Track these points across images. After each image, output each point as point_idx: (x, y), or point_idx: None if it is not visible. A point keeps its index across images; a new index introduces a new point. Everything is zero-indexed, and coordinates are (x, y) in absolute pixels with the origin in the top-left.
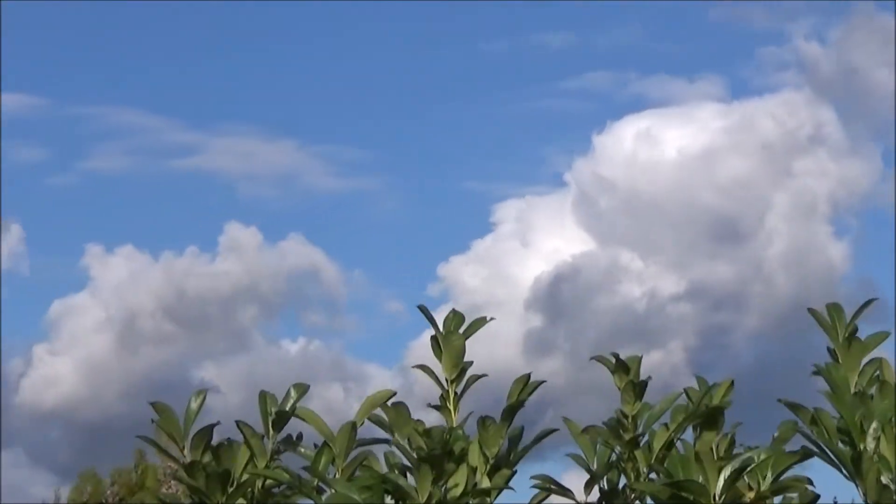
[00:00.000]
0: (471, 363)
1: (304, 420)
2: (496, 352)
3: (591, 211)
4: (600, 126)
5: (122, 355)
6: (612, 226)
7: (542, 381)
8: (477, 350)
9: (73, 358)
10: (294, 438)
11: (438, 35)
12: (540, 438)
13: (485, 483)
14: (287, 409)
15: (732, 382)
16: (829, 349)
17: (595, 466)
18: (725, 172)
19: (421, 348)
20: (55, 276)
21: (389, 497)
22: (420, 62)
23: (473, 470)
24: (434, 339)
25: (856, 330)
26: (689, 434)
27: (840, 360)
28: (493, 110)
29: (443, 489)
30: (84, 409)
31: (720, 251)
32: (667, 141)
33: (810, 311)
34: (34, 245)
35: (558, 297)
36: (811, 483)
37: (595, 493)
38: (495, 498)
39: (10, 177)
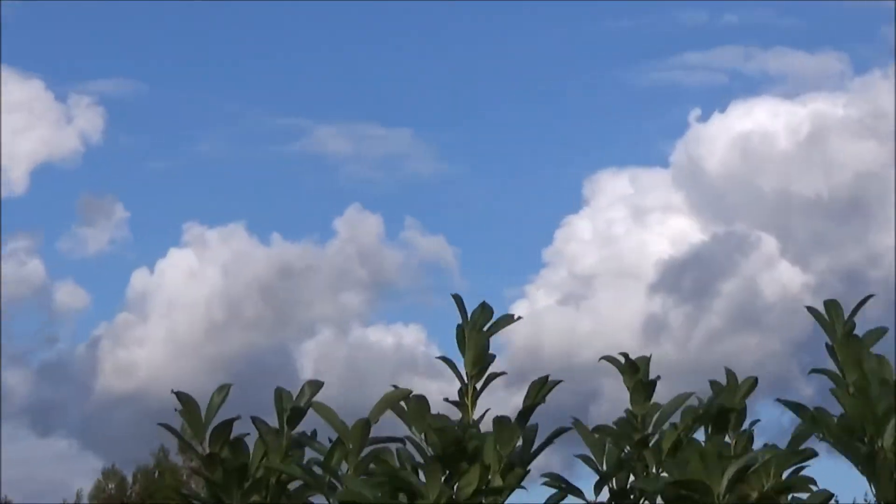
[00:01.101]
0: (493, 359)
1: (319, 415)
2: (613, 330)
3: (707, 189)
4: (722, 103)
5: (218, 336)
6: (731, 206)
7: (559, 381)
8: (592, 327)
9: (166, 339)
10: (309, 435)
11: (566, 14)
12: (553, 438)
13: (497, 482)
14: (302, 405)
15: (756, 381)
16: (827, 346)
17: (604, 467)
18: (848, 153)
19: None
20: (154, 255)
21: (403, 494)
22: (550, 40)
23: (487, 468)
24: (460, 331)
25: (854, 327)
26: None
27: (839, 358)
28: (617, 85)
29: (455, 487)
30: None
31: (846, 234)
32: (790, 120)
33: (808, 308)
34: (136, 225)
35: (678, 278)
36: (814, 483)
37: (605, 494)
38: (507, 497)
39: (113, 159)
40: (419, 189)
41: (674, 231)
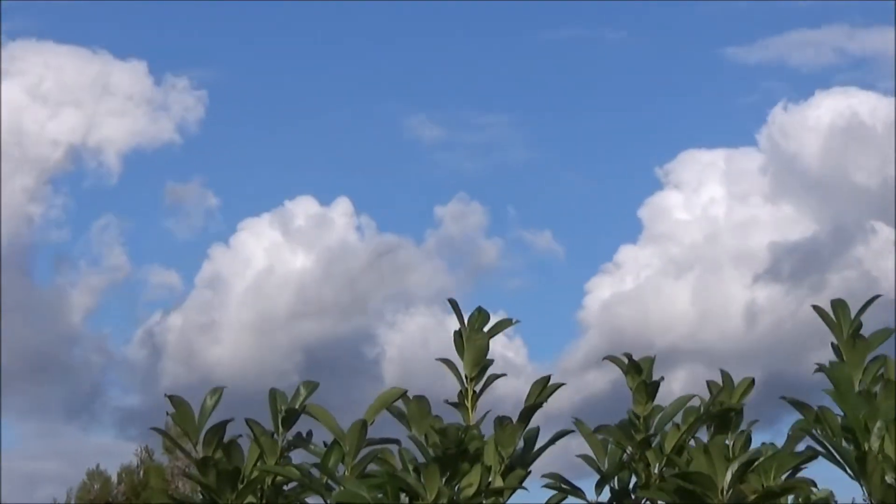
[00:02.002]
0: (491, 362)
1: (314, 417)
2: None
3: (809, 173)
4: (826, 83)
5: (305, 321)
6: (838, 190)
7: (562, 384)
8: (698, 314)
9: (251, 324)
10: (304, 436)
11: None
12: (555, 440)
13: (498, 483)
14: (297, 406)
15: (753, 381)
16: (833, 346)
17: (606, 467)
18: None
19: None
20: (243, 239)
21: (405, 494)
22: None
23: (488, 469)
24: (458, 335)
25: (860, 327)
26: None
27: (844, 358)
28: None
29: (456, 488)
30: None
31: None
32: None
33: (814, 307)
34: (226, 209)
35: (780, 264)
36: (815, 485)
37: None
38: (508, 498)
39: (207, 144)
40: (513, 176)
41: (777, 216)
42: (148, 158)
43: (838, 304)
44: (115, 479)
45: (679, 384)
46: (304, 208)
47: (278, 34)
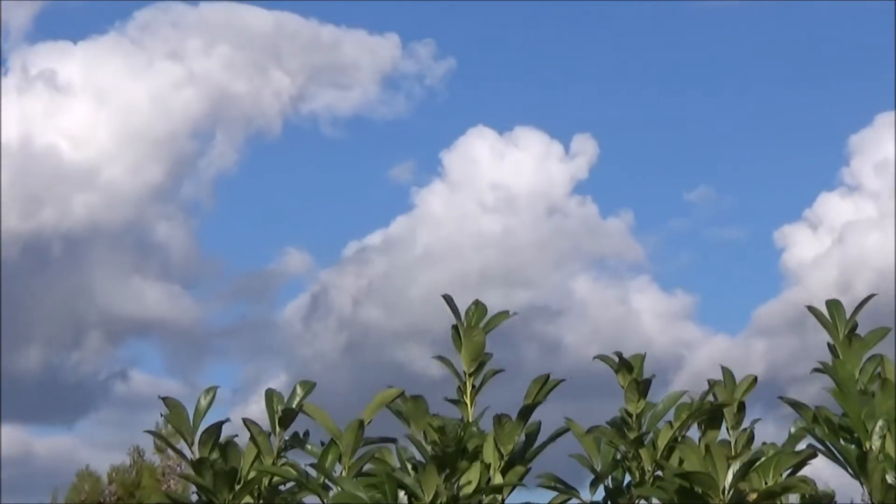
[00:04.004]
0: (490, 356)
1: (311, 416)
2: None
3: None
4: None
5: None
6: None
7: (562, 380)
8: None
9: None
10: (301, 436)
11: None
12: (554, 437)
13: (498, 480)
14: (293, 406)
15: (755, 379)
16: (829, 345)
17: (600, 466)
18: None
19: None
20: None
21: (403, 493)
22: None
23: (487, 466)
24: (455, 330)
25: (856, 326)
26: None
27: (841, 357)
28: None
29: (455, 486)
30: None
31: None
32: None
33: (809, 308)
34: None
35: None
36: (814, 484)
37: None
38: (508, 495)
39: None
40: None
41: None
42: None
43: (833, 305)
44: (105, 478)
45: None
46: None
47: None
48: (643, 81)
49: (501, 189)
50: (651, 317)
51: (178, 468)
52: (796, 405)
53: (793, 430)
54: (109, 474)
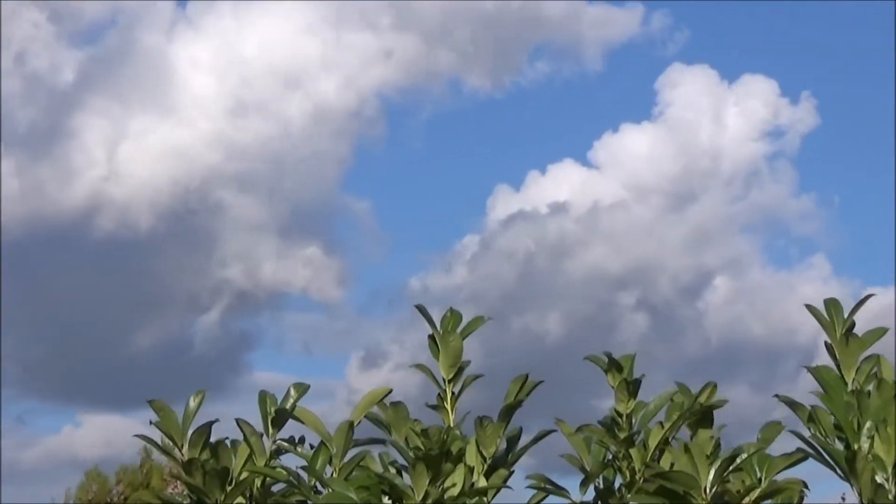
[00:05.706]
0: (468, 363)
1: (301, 421)
2: None
3: None
4: None
5: None
6: None
7: (540, 381)
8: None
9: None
10: (297, 440)
11: None
12: (538, 439)
13: (482, 483)
14: (287, 408)
15: (715, 386)
16: (826, 345)
17: (590, 466)
18: None
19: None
20: None
21: (387, 497)
22: None
23: (471, 470)
24: (431, 338)
25: (853, 326)
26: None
27: (837, 357)
28: None
29: (440, 489)
30: None
31: None
32: None
33: (807, 306)
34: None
35: None
36: (806, 486)
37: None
38: (493, 498)
39: None
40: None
41: None
42: None
43: (831, 304)
44: (113, 478)
45: None
46: None
47: None
48: None
49: None
50: None
51: (172, 469)
52: (792, 404)
53: (763, 431)
54: (118, 474)
